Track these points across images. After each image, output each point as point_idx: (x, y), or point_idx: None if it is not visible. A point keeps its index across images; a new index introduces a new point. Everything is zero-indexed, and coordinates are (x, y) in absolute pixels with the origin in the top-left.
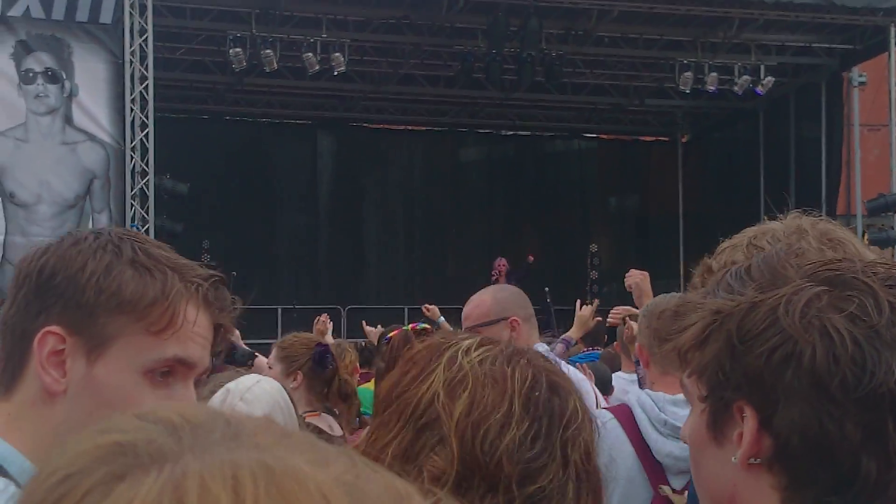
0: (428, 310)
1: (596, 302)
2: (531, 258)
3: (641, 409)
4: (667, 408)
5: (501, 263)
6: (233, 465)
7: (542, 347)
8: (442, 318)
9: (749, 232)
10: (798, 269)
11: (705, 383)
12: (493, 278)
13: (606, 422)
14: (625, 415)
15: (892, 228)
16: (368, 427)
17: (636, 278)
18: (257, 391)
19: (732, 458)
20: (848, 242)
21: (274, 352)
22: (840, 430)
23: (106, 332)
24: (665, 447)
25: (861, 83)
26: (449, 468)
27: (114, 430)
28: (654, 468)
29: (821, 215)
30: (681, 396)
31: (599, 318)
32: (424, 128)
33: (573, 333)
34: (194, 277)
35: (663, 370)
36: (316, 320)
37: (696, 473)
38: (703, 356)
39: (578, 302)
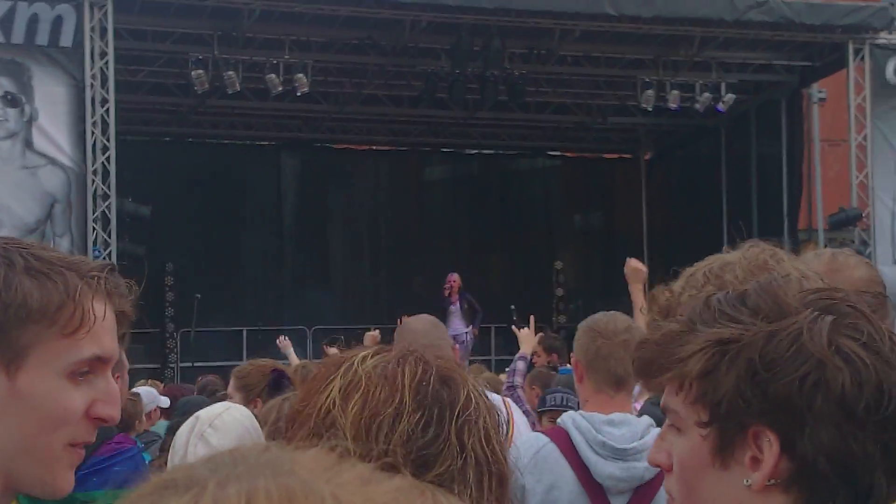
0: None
1: (532, 318)
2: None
3: (578, 430)
4: (603, 429)
5: (453, 279)
6: (251, 489)
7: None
8: None
9: (704, 262)
10: (797, 297)
11: (712, 409)
12: (446, 293)
13: (543, 445)
14: (561, 438)
15: (853, 242)
16: None
17: (637, 265)
18: (227, 418)
19: (745, 481)
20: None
21: (232, 381)
22: (863, 450)
23: (20, 345)
24: (606, 469)
25: (821, 99)
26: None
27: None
28: (594, 490)
29: (777, 243)
30: (616, 416)
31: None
32: (388, 147)
33: (525, 350)
34: (91, 271)
35: (597, 388)
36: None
37: (687, 498)
38: (714, 384)
39: (515, 328)
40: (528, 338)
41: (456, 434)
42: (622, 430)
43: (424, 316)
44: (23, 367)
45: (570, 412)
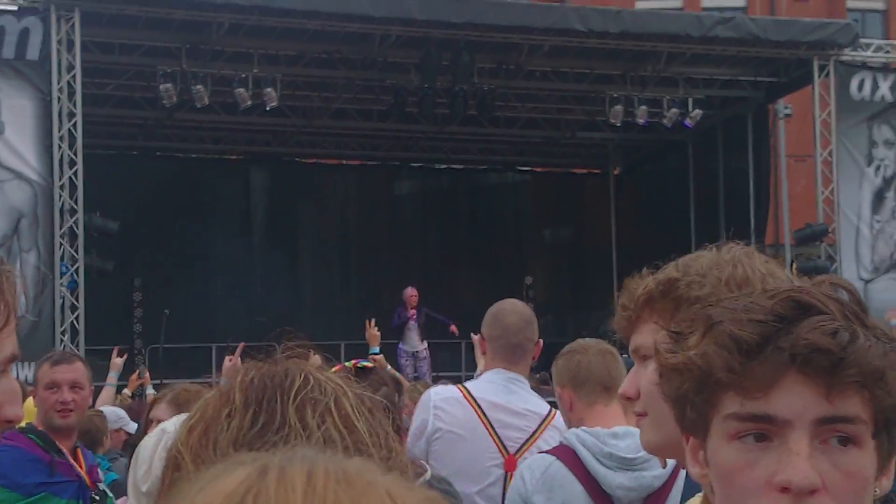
0: (374, 336)
1: None
2: (454, 330)
3: (583, 445)
4: (608, 441)
5: (412, 293)
6: (312, 462)
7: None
8: (377, 349)
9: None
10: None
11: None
12: (409, 309)
13: (551, 464)
14: (566, 455)
15: (820, 258)
16: None
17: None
18: None
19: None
20: (725, 265)
21: (168, 408)
22: None
23: None
24: (615, 479)
25: (786, 115)
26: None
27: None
28: (603, 501)
29: (750, 243)
30: (618, 429)
31: None
32: (358, 162)
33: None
34: None
35: (590, 402)
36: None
37: None
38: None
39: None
40: None
41: (296, 415)
42: (627, 442)
43: (519, 307)
44: None
45: (573, 429)
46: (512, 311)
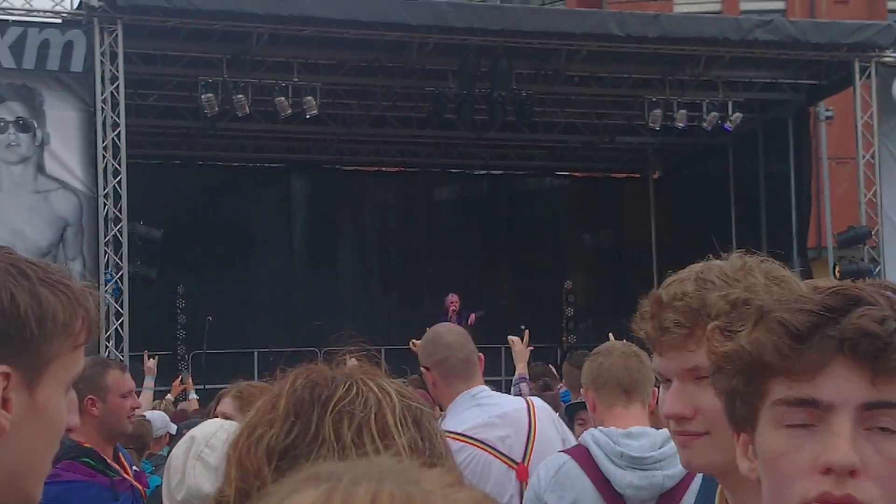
0: (415, 345)
1: (526, 333)
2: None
3: (597, 445)
4: (621, 441)
5: (453, 300)
6: (378, 489)
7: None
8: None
9: (695, 267)
10: None
11: None
12: (450, 316)
13: (564, 463)
14: (581, 454)
15: (863, 260)
16: None
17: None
18: (223, 436)
19: None
20: (791, 280)
21: (233, 403)
22: None
23: (43, 359)
24: (625, 478)
25: (828, 117)
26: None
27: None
28: (614, 500)
29: (763, 255)
30: (634, 429)
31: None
32: (397, 169)
33: (521, 369)
34: (72, 279)
35: (609, 404)
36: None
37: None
38: None
39: (510, 338)
40: (522, 353)
41: (332, 427)
42: (640, 442)
43: (452, 326)
44: (41, 382)
45: (590, 429)
46: (447, 331)
